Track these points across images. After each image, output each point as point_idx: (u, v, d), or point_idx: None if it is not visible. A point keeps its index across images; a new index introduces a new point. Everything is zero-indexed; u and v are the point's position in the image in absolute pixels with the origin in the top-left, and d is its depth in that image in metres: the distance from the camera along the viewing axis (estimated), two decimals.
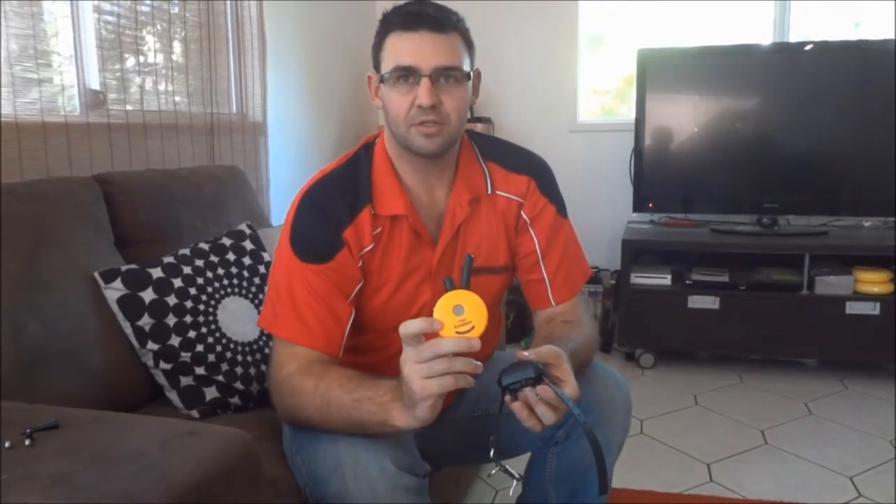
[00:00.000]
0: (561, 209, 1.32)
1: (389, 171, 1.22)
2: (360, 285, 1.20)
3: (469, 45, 1.17)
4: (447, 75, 1.12)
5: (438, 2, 1.17)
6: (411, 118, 1.12)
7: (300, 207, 1.19)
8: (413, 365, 0.92)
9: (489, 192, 1.28)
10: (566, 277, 1.31)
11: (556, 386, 0.97)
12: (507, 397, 0.99)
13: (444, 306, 0.92)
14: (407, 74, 1.11)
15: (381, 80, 1.15)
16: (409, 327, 0.92)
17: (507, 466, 1.09)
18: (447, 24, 1.12)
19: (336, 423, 1.04)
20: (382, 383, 1.02)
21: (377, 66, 1.17)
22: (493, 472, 1.08)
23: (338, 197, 1.18)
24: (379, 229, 1.20)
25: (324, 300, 1.14)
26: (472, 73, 1.17)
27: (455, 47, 1.12)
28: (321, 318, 1.14)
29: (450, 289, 0.92)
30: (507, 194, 1.29)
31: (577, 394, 1.00)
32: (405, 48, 1.10)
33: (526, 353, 0.99)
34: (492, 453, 1.10)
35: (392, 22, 1.13)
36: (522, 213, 1.30)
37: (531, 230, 1.30)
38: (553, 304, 1.30)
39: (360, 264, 1.19)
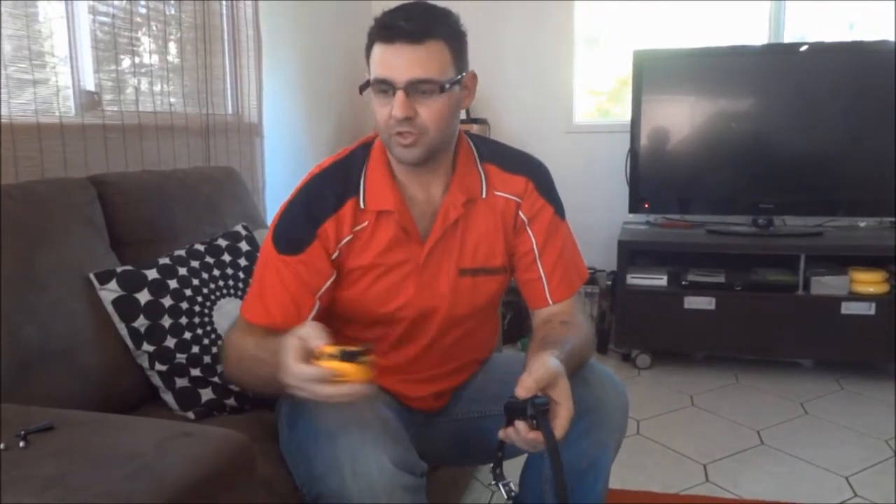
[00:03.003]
0: (559, 211, 1.33)
1: (384, 166, 1.24)
2: (330, 280, 1.22)
3: (456, 51, 1.14)
4: (423, 88, 1.12)
5: (433, 1, 1.17)
6: (390, 127, 1.14)
7: (289, 202, 1.24)
8: (297, 381, 0.93)
9: (483, 195, 1.29)
10: (563, 276, 1.31)
11: (547, 422, 1.01)
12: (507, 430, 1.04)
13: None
14: (385, 86, 1.12)
15: (360, 91, 1.17)
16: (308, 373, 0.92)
17: (501, 485, 1.10)
18: (425, 33, 1.10)
19: (246, 374, 1.16)
20: (271, 345, 1.02)
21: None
22: (490, 484, 1.09)
23: (326, 189, 1.22)
24: (364, 224, 1.22)
25: (289, 291, 1.19)
26: (453, 82, 1.14)
27: (433, 58, 1.11)
28: (283, 306, 1.19)
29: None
30: (505, 194, 1.29)
31: (571, 413, 1.02)
32: (383, 60, 1.12)
33: (523, 390, 1.00)
34: (495, 481, 1.11)
35: (374, 31, 1.13)
36: (520, 212, 1.30)
37: (529, 229, 1.30)
38: (550, 302, 1.30)
39: (335, 256, 1.22)
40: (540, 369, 1.03)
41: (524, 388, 1.00)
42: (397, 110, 1.11)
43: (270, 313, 1.18)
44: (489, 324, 1.44)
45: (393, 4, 1.19)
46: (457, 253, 1.27)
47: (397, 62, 1.10)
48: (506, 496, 1.10)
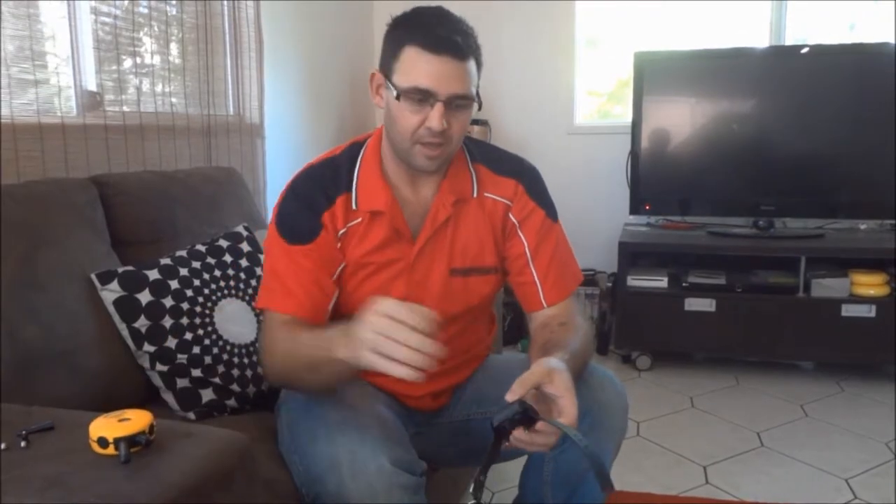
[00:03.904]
0: (550, 213, 1.33)
1: (377, 167, 1.25)
2: (341, 267, 1.24)
3: (480, 67, 1.18)
4: (458, 103, 1.14)
5: (438, 5, 1.17)
6: (418, 136, 1.15)
7: (284, 197, 1.26)
8: (371, 335, 0.93)
9: (474, 194, 1.29)
10: (557, 278, 1.31)
11: (546, 417, 0.98)
12: (506, 442, 1.01)
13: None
14: (423, 97, 1.12)
15: (396, 97, 1.13)
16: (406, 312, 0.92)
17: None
18: (469, 51, 1.13)
19: (294, 363, 1.12)
20: (331, 326, 1.06)
21: (387, 71, 1.16)
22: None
23: (315, 186, 1.24)
24: (357, 221, 1.23)
25: (311, 274, 1.20)
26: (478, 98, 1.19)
27: (470, 75, 1.14)
28: (308, 289, 1.20)
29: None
30: (494, 196, 1.30)
31: (575, 408, 1.00)
32: (426, 70, 1.10)
33: (511, 394, 0.98)
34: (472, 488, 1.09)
35: (415, 34, 1.11)
36: (510, 215, 1.31)
37: (520, 233, 1.31)
38: (545, 305, 1.30)
39: (339, 246, 1.23)
40: (533, 368, 1.02)
41: (512, 392, 0.98)
42: (436, 123, 1.11)
43: (298, 299, 1.18)
44: (484, 322, 1.45)
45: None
46: (447, 253, 1.27)
47: (443, 75, 1.11)
48: None
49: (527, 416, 0.97)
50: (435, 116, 1.11)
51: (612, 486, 0.95)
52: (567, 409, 0.99)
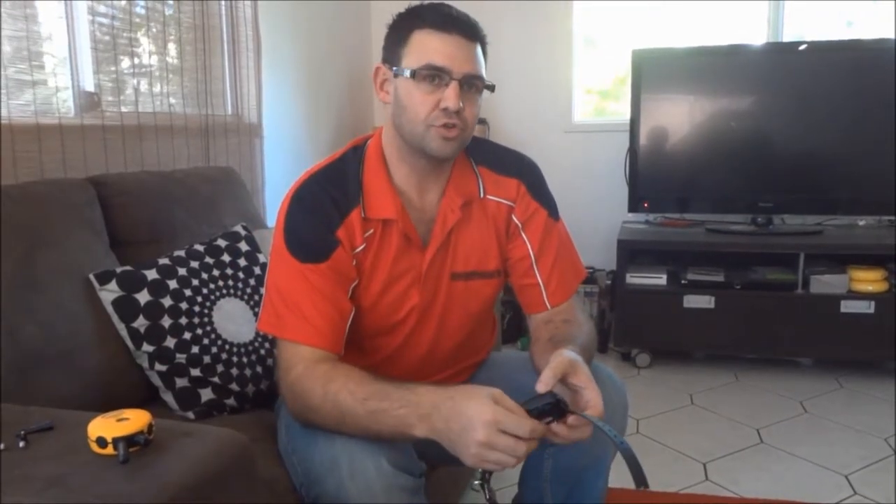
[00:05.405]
0: (552, 212, 1.32)
1: (382, 172, 1.22)
2: (355, 283, 1.19)
3: (486, 58, 1.18)
4: (472, 84, 1.13)
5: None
6: (433, 119, 1.13)
7: (290, 209, 1.18)
8: (486, 450, 0.92)
9: (482, 196, 1.28)
10: (560, 280, 1.30)
11: (577, 410, 0.99)
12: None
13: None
14: (436, 75, 1.11)
15: (410, 76, 1.12)
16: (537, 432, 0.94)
17: (486, 489, 1.10)
18: (478, 34, 1.14)
19: (350, 430, 1.04)
20: (394, 394, 1.01)
21: (394, 60, 1.15)
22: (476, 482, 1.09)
23: (325, 198, 1.18)
24: (371, 231, 1.20)
25: (327, 297, 1.14)
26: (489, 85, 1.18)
27: (480, 58, 1.15)
28: (325, 315, 1.14)
29: None
30: (497, 198, 1.29)
31: (601, 400, 1.01)
32: (439, 48, 1.11)
33: (542, 384, 0.99)
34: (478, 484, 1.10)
35: (423, 18, 1.12)
36: (513, 217, 1.29)
37: (523, 234, 1.29)
38: (548, 307, 1.30)
39: (354, 263, 1.19)
40: (555, 359, 1.03)
41: (543, 383, 0.99)
42: (453, 101, 1.10)
43: (317, 327, 1.12)
44: (486, 327, 1.44)
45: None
46: (451, 258, 1.26)
47: (457, 53, 1.11)
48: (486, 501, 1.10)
49: (559, 407, 0.97)
50: (451, 95, 1.10)
51: (647, 483, 0.96)
52: (594, 401, 1.00)
